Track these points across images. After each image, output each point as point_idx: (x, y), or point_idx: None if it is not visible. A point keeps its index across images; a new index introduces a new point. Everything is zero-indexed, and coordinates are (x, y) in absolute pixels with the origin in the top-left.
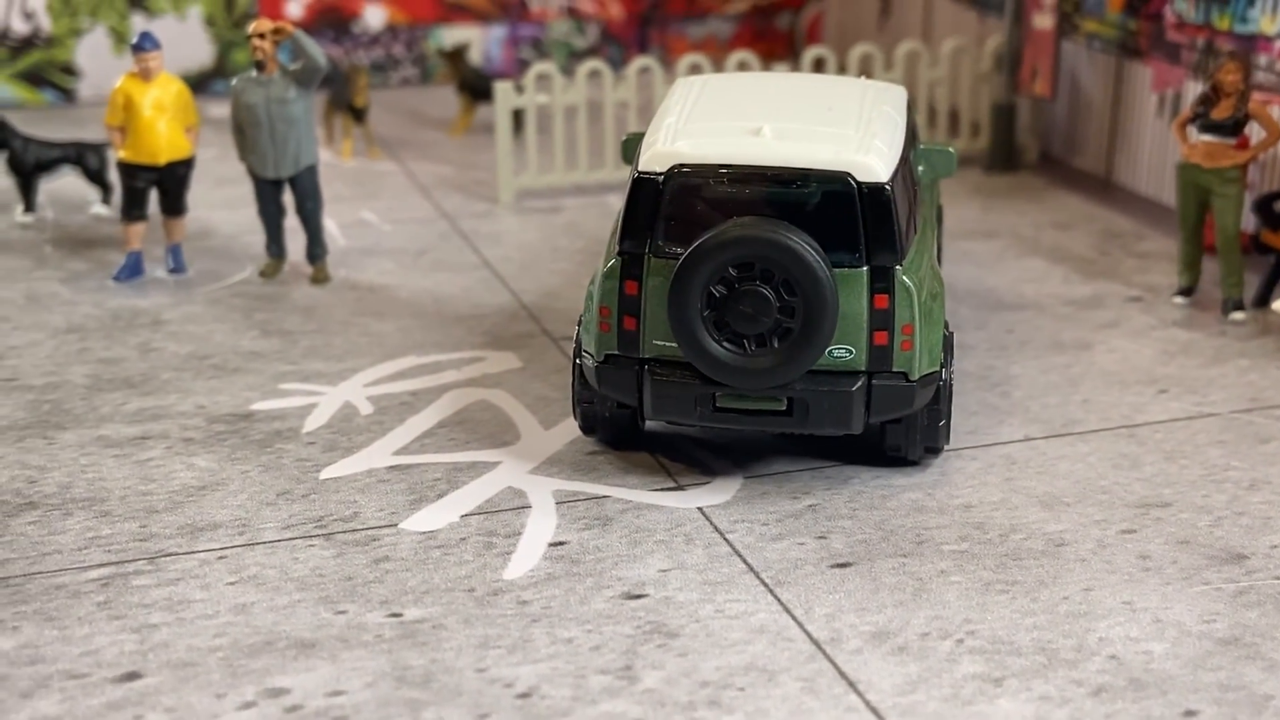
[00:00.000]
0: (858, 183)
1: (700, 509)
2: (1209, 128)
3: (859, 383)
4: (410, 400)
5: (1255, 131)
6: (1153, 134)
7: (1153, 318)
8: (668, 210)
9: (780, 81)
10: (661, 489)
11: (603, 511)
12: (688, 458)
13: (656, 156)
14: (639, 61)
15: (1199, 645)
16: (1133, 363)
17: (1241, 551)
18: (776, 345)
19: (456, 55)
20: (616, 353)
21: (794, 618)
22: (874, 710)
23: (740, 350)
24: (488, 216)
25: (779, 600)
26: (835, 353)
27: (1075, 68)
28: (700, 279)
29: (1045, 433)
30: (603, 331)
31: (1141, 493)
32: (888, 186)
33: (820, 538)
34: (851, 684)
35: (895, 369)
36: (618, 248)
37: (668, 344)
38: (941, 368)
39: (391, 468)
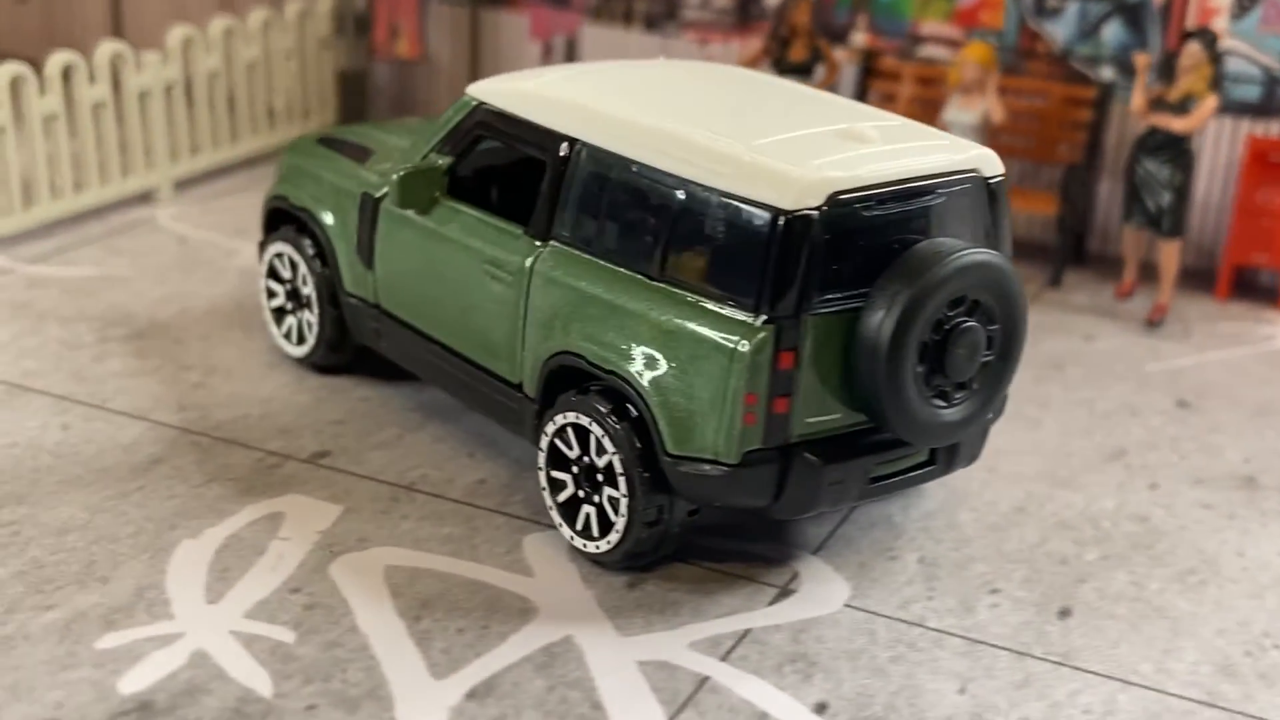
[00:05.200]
0: (985, 178)
1: None
2: (788, 69)
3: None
4: None
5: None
6: None
7: None
8: (827, 254)
9: (669, 73)
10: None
11: None
12: None
13: (807, 188)
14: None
15: None
16: None
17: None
18: (975, 386)
19: None
20: (760, 447)
21: None
22: None
23: (945, 402)
24: None
25: None
26: None
27: (432, 24)
28: (918, 328)
29: None
30: (747, 425)
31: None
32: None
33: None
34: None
35: None
36: (764, 314)
37: (822, 419)
38: None
39: None
